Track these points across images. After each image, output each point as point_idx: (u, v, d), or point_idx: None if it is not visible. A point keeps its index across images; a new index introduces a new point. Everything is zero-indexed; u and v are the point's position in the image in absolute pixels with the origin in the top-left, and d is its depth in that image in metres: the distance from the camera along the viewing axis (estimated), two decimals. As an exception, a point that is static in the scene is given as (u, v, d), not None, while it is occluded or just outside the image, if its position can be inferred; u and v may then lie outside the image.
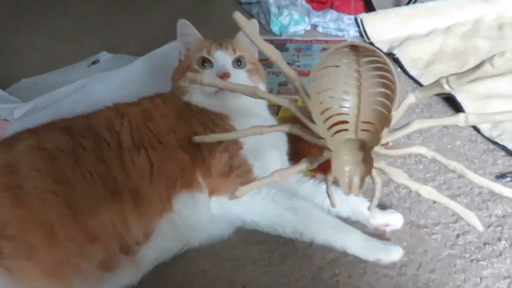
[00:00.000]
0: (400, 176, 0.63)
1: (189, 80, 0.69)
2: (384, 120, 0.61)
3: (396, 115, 0.61)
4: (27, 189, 0.68)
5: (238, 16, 0.55)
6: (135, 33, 1.82)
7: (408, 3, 1.54)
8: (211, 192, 0.79)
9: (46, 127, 0.80)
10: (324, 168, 0.92)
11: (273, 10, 1.63)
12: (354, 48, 0.61)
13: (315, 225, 0.75)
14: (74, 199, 0.69)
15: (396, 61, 1.31)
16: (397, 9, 1.51)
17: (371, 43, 1.42)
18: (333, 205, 0.68)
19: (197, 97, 0.88)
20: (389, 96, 0.60)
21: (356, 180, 0.62)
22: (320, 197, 0.83)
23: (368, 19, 1.48)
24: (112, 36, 1.81)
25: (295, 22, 1.59)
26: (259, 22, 1.70)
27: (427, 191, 0.63)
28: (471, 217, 0.64)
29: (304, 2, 1.67)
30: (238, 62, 0.90)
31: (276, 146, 0.89)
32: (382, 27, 1.45)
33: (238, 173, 0.80)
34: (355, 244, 0.74)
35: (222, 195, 0.78)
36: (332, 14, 1.59)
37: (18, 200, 0.67)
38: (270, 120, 0.96)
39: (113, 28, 1.89)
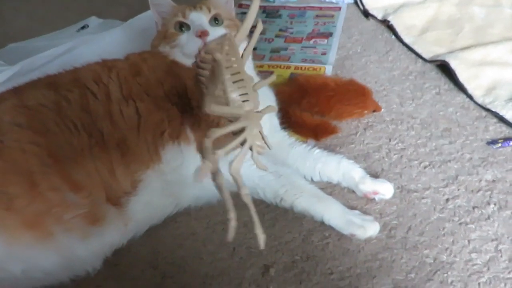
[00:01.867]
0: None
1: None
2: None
3: None
4: (8, 143, 0.68)
5: None
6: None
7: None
8: (199, 146, 0.78)
9: (30, 85, 0.79)
10: (315, 134, 0.92)
11: (266, -25, 1.58)
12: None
13: (295, 191, 0.75)
14: (56, 149, 0.69)
15: (391, 28, 1.29)
16: (393, -25, 1.48)
17: (366, 10, 1.40)
18: (261, 167, 0.65)
19: (180, 58, 0.87)
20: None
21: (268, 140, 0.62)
22: (310, 162, 0.83)
23: (363, -15, 1.44)
24: (100, 1, 1.75)
25: (287, -12, 1.54)
26: (252, -12, 1.66)
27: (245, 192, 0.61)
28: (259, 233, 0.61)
29: (298, -33, 1.62)
30: (216, 21, 0.88)
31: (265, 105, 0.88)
32: (377, -6, 1.42)
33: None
34: (333, 216, 0.74)
35: None
36: (326, -20, 1.55)
37: None
38: (256, 78, 0.95)
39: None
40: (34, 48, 1.44)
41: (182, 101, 0.78)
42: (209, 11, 0.88)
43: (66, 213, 0.66)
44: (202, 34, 0.83)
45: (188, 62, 0.85)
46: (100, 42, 1.18)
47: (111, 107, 0.73)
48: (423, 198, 0.79)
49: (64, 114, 0.70)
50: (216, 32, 0.85)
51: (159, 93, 0.77)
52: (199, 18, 0.86)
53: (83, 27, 1.51)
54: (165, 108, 0.76)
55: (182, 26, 0.87)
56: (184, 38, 0.85)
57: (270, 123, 0.88)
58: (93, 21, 1.55)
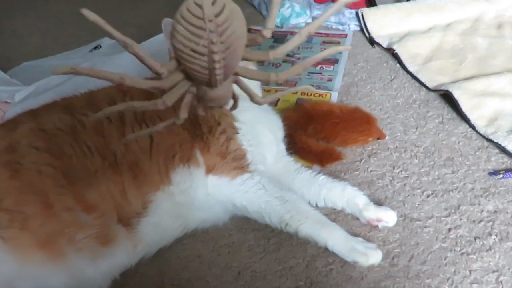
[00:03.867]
0: None
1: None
2: None
3: None
4: (25, 164, 0.70)
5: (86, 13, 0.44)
6: (135, 19, 1.82)
7: (409, -1, 1.54)
8: (208, 170, 0.81)
9: (47, 108, 0.81)
10: (320, 160, 0.94)
11: (275, 1, 1.63)
12: None
13: (300, 217, 0.77)
14: (71, 171, 0.71)
15: (396, 56, 1.32)
16: (398, 4, 1.52)
17: (372, 38, 1.43)
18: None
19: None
20: None
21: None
22: (315, 188, 0.85)
23: (369, 13, 1.48)
24: (112, 22, 1.79)
25: (296, 14, 1.59)
26: (260, 13, 1.71)
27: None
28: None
29: (306, -6, 1.67)
30: None
31: (273, 133, 0.91)
32: (382, 22, 1.46)
33: (233, 156, 0.82)
34: (336, 242, 0.75)
35: (218, 175, 0.80)
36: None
37: (16, 174, 0.69)
38: (268, 108, 0.98)
39: (113, 13, 1.87)
40: (48, 67, 1.49)
41: (193, 127, 0.81)
42: None
43: (78, 234, 0.68)
44: None
45: None
46: (113, 64, 1.22)
47: (124, 131, 0.75)
48: (425, 227, 0.81)
49: (79, 138, 0.73)
50: None
51: (171, 117, 0.80)
52: None
53: (95, 47, 1.56)
54: (177, 133, 0.79)
55: None
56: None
57: (276, 148, 0.91)
58: (106, 41, 1.59)
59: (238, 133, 0.84)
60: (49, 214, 0.67)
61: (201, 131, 0.81)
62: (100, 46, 1.56)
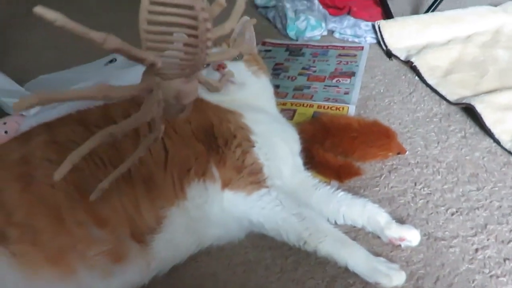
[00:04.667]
0: None
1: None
2: None
3: None
4: (38, 177, 0.68)
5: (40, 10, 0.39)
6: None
7: (427, 11, 1.52)
8: (224, 184, 0.78)
9: (61, 120, 0.80)
10: (339, 175, 0.91)
11: (290, 14, 1.62)
12: None
13: (319, 235, 0.73)
14: (84, 184, 0.69)
15: (414, 69, 1.29)
16: (416, 16, 1.49)
17: (389, 50, 1.41)
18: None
19: (202, 94, 0.88)
20: None
21: None
22: (334, 204, 0.82)
23: (386, 26, 1.46)
24: (128, 34, 1.80)
25: (311, 27, 1.57)
26: (275, 27, 1.70)
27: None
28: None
29: (321, 7, 1.66)
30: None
31: (289, 146, 0.89)
32: (400, 34, 1.43)
33: (249, 170, 0.79)
34: (358, 262, 0.71)
35: (234, 190, 0.78)
36: (349, 20, 1.58)
37: (28, 187, 0.68)
38: (280, 117, 0.97)
39: (129, 26, 1.88)
40: (63, 80, 1.50)
41: (208, 139, 0.79)
42: (228, 47, 0.91)
43: (90, 250, 0.66)
44: (219, 66, 0.87)
45: (212, 98, 0.87)
46: (128, 77, 1.21)
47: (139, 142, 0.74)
48: (451, 246, 0.77)
49: (92, 150, 0.71)
50: (234, 65, 0.89)
51: (186, 130, 0.78)
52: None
53: (111, 61, 1.56)
54: (192, 146, 0.77)
55: None
56: (204, 73, 0.87)
57: (293, 162, 0.88)
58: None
59: (254, 146, 0.82)
60: (60, 228, 0.66)
61: (217, 144, 0.79)
62: (115, 60, 1.56)
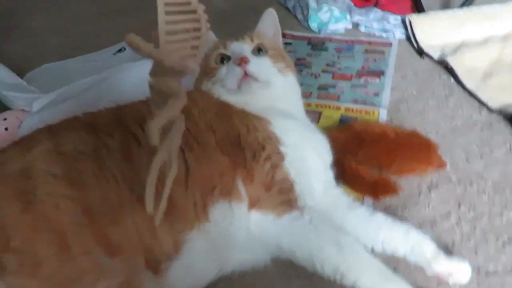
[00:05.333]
0: None
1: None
2: None
3: None
4: (40, 195, 0.59)
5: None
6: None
7: (462, 5, 1.40)
8: (252, 204, 0.69)
9: (67, 124, 0.71)
10: (374, 191, 0.82)
11: (312, 4, 1.51)
12: None
13: (360, 267, 0.64)
14: (93, 205, 0.60)
15: (450, 71, 1.19)
16: (450, 11, 1.38)
17: (420, 48, 1.30)
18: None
19: (224, 96, 0.79)
20: None
21: None
22: (373, 229, 0.73)
23: (417, 21, 1.35)
24: (136, 21, 1.70)
25: (335, 19, 1.46)
26: (296, 17, 1.59)
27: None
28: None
29: (345, -3, 1.54)
30: (259, 51, 0.81)
31: (321, 158, 0.79)
32: (432, 31, 1.32)
33: (280, 188, 0.70)
34: None
35: (262, 211, 0.68)
36: (376, 12, 1.46)
37: (29, 206, 0.59)
38: (309, 123, 0.87)
39: (137, 12, 1.78)
40: (69, 69, 1.40)
41: (234, 151, 0.69)
42: (252, 40, 0.82)
43: (99, 283, 0.58)
44: (241, 60, 0.76)
45: (235, 100, 0.78)
46: (138, 71, 1.11)
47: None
48: (504, 284, 0.68)
49: (103, 164, 0.62)
50: (259, 61, 0.78)
51: (210, 141, 0.69)
52: (240, 47, 0.80)
53: (119, 50, 1.46)
54: (216, 160, 0.67)
55: (223, 59, 0.80)
56: (224, 70, 0.79)
57: (325, 176, 0.79)
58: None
59: (284, 159, 0.72)
60: (65, 258, 0.57)
61: (244, 156, 0.69)
62: (125, 49, 1.46)
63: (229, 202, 0.66)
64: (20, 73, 1.39)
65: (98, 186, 0.60)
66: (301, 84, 1.19)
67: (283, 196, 0.69)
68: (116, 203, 0.60)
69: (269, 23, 0.86)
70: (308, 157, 0.75)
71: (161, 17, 0.50)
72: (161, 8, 0.50)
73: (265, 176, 0.69)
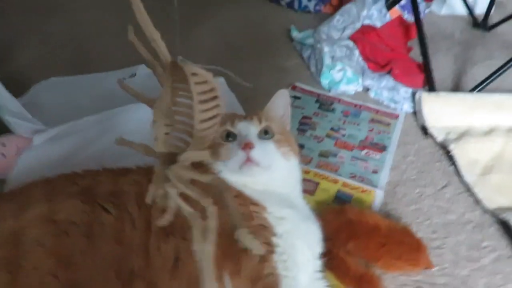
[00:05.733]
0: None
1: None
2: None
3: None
4: (26, 268, 0.59)
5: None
6: (183, 46, 1.71)
7: (473, 90, 1.42)
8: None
9: (64, 185, 0.70)
10: (358, 286, 0.82)
11: (327, 60, 1.52)
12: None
13: None
14: (77, 286, 0.59)
15: (451, 158, 1.20)
16: (461, 95, 1.40)
17: (425, 127, 1.31)
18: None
19: (224, 173, 0.78)
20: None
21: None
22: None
23: (427, 99, 1.36)
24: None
25: (347, 80, 1.47)
26: (308, 68, 1.60)
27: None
28: None
29: (360, 59, 1.56)
30: (265, 133, 0.81)
31: (311, 250, 0.79)
32: (441, 112, 1.33)
33: (265, 284, 0.70)
34: None
35: None
36: (388, 81, 1.47)
37: (15, 278, 0.58)
38: (305, 209, 0.86)
39: (159, 27, 1.78)
40: (77, 85, 1.40)
41: (227, 242, 0.69)
42: (260, 122, 0.81)
43: None
44: (246, 146, 0.76)
45: (234, 180, 0.77)
46: (144, 113, 1.11)
47: (149, 241, 0.64)
48: None
49: (93, 243, 0.62)
50: (263, 145, 0.78)
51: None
52: (246, 128, 0.80)
53: (131, 76, 1.46)
54: None
55: (229, 136, 0.80)
56: (228, 149, 0.78)
57: (312, 268, 0.79)
58: (142, 69, 1.50)
59: (274, 252, 0.72)
60: None
61: (236, 249, 0.69)
62: (135, 74, 1.46)
63: None
64: (27, 83, 1.39)
65: (85, 267, 0.60)
66: (303, 147, 1.22)
67: None
68: (101, 287, 0.60)
69: (280, 103, 0.86)
70: (298, 249, 0.75)
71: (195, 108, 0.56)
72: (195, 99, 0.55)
73: (253, 270, 0.69)
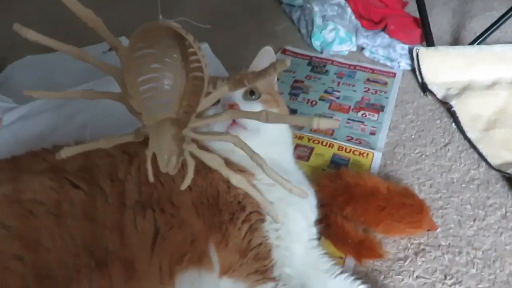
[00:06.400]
0: (213, 161, 0.60)
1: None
2: (194, 105, 0.57)
3: (205, 103, 0.58)
4: None
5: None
6: (166, 17, 1.63)
7: (473, 42, 1.34)
8: (223, 271, 0.63)
9: (32, 163, 0.65)
10: (358, 253, 0.78)
11: (318, 21, 1.43)
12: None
13: None
14: (46, 270, 0.54)
15: (452, 114, 1.13)
16: (460, 48, 1.32)
17: (425, 84, 1.24)
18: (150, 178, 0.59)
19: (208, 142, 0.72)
20: (200, 80, 0.56)
21: (174, 159, 0.57)
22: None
23: (425, 54, 1.28)
24: (132, 16, 1.62)
25: (340, 40, 1.39)
26: (299, 31, 1.51)
27: (237, 180, 0.60)
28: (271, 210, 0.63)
29: (353, 17, 1.47)
30: (251, 94, 0.75)
31: (305, 217, 0.74)
32: (440, 67, 1.26)
33: (256, 254, 0.65)
34: None
35: (234, 278, 0.63)
36: (383, 38, 1.39)
37: None
38: (297, 173, 0.81)
39: (134, 6, 1.69)
40: (53, 64, 1.32)
41: (211, 214, 0.63)
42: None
43: None
44: (230, 107, 0.70)
45: (219, 147, 0.71)
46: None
47: (124, 216, 0.59)
48: None
49: (62, 222, 0.56)
50: (249, 106, 0.72)
51: (185, 201, 0.62)
52: None
53: (110, 49, 1.37)
54: (190, 224, 0.61)
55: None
56: (212, 112, 0.71)
57: (307, 236, 0.74)
58: (122, 42, 1.41)
59: (265, 221, 0.67)
60: None
61: (221, 219, 0.64)
62: (116, 47, 1.38)
63: (199, 271, 0.60)
64: (2, 62, 1.32)
65: (54, 248, 0.55)
66: (296, 112, 1.16)
67: (258, 263, 0.64)
68: (72, 269, 0.54)
69: (266, 62, 0.79)
70: (291, 217, 0.70)
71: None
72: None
73: (241, 241, 0.64)
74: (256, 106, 0.74)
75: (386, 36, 1.40)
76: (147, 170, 0.58)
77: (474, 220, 0.88)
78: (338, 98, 1.22)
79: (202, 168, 0.67)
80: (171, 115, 0.58)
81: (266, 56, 0.80)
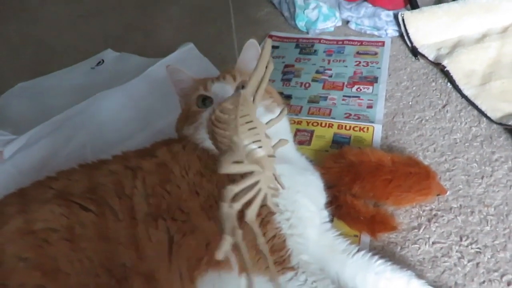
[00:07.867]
0: None
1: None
2: None
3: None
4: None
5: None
6: (142, 23, 1.62)
7: (457, -2, 1.32)
8: (241, 268, 0.65)
9: (38, 192, 0.65)
10: (372, 228, 0.78)
11: (299, 1, 1.42)
12: None
13: None
14: None
15: (446, 74, 1.13)
16: (445, 5, 1.30)
17: (415, 48, 1.23)
18: (276, 210, 0.56)
19: (207, 142, 0.73)
20: None
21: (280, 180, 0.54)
22: (372, 278, 0.69)
23: (411, 18, 1.27)
24: (115, 26, 1.61)
25: (324, 17, 1.38)
26: (282, 15, 1.50)
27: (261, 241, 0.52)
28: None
29: (334, -9, 1.45)
30: (243, 89, 0.74)
31: (314, 202, 0.74)
32: (427, 28, 1.25)
33: (271, 246, 0.66)
34: None
35: (254, 273, 0.64)
36: (367, 8, 1.38)
37: None
38: (300, 160, 0.81)
39: (116, 15, 1.68)
40: (45, 87, 1.32)
41: None
42: (234, 79, 0.75)
43: None
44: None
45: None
46: (113, 98, 1.05)
47: (136, 230, 0.59)
48: (511, 332, 0.65)
49: (77, 245, 0.57)
50: None
51: (194, 206, 0.63)
52: (222, 88, 0.74)
53: (98, 63, 1.38)
54: (202, 227, 0.62)
55: (205, 101, 0.74)
56: (207, 114, 0.72)
57: (319, 220, 0.75)
58: (109, 54, 1.41)
59: (275, 213, 0.68)
60: None
61: None
62: (103, 61, 1.38)
63: (218, 272, 0.61)
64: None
65: (73, 272, 0.56)
66: (290, 97, 1.15)
67: (274, 255, 0.64)
68: None
69: (252, 55, 0.79)
70: (300, 204, 0.70)
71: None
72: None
73: (254, 236, 0.64)
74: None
75: (369, 5, 1.38)
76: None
77: (482, 178, 0.88)
78: (330, 76, 1.21)
79: (207, 170, 0.68)
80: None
81: (251, 49, 0.79)
